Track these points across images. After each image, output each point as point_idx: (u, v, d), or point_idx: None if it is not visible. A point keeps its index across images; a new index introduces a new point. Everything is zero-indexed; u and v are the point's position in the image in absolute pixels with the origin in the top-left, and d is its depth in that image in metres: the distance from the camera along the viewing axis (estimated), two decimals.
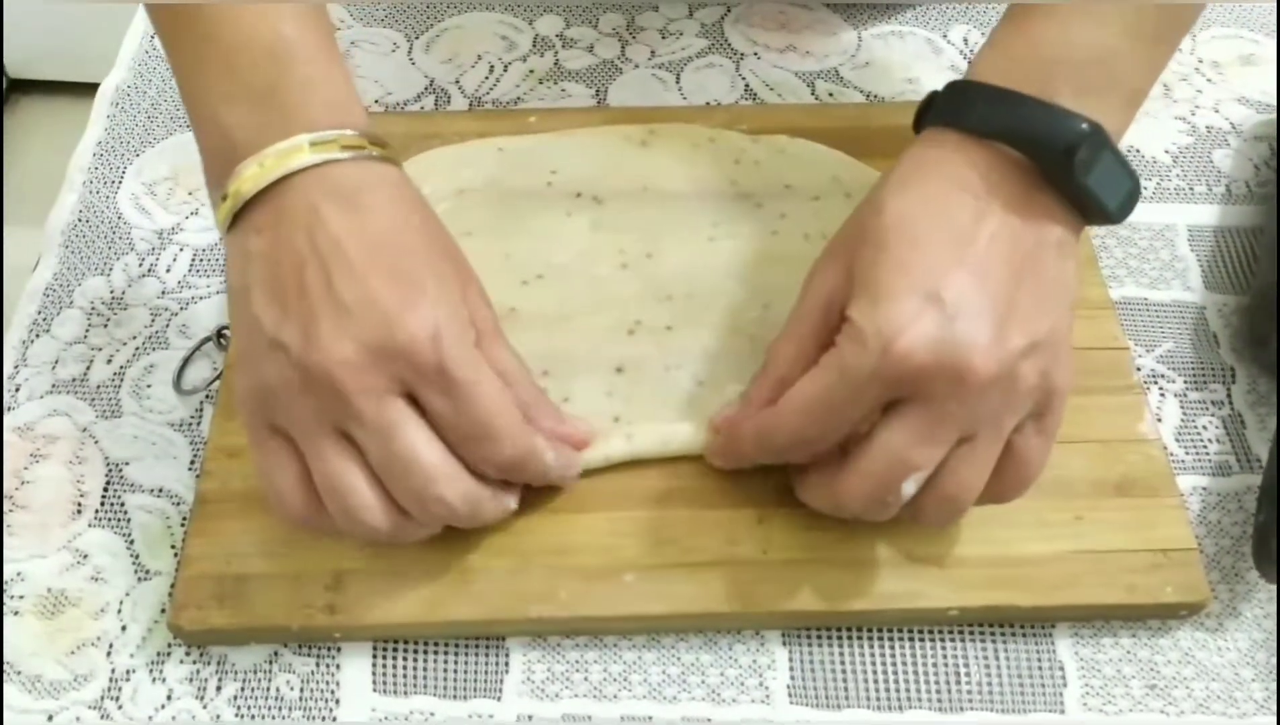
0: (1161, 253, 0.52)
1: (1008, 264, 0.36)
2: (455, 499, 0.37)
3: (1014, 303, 0.36)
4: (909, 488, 0.36)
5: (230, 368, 0.45)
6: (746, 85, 0.58)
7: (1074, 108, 0.37)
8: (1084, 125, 0.37)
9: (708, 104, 0.57)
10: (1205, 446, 0.46)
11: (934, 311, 0.35)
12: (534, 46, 0.59)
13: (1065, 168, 0.37)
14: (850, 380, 0.36)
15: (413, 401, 0.36)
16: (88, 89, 0.60)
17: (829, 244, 0.40)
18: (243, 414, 0.37)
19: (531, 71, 0.58)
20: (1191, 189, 0.54)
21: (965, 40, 0.59)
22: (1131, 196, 0.38)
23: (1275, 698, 0.40)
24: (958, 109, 0.39)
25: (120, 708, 0.40)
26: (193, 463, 0.45)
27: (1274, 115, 0.56)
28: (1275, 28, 0.60)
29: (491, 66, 0.59)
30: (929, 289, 0.35)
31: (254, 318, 0.36)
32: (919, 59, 0.59)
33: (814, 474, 0.40)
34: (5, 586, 0.42)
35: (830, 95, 0.57)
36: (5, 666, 0.40)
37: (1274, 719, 0.40)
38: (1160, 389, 0.48)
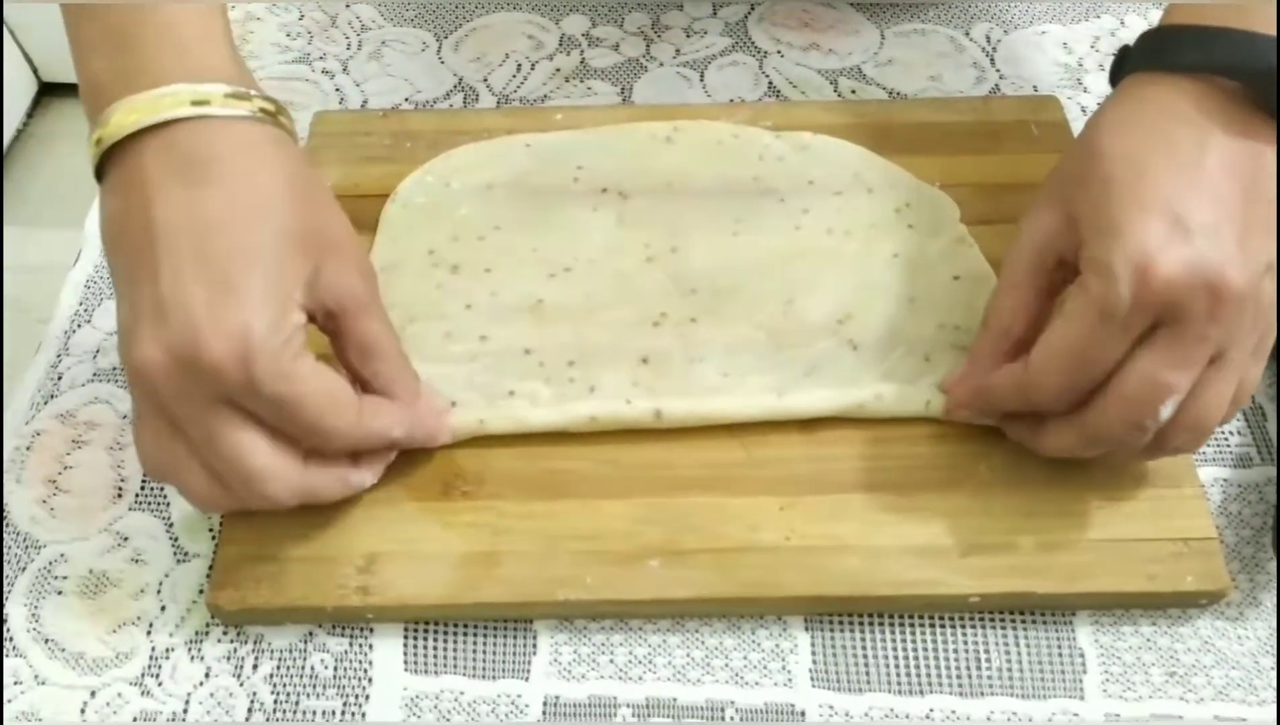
0: None
1: (1237, 185, 0.36)
2: (285, 495, 0.38)
3: (1249, 221, 0.36)
4: (1166, 411, 0.36)
5: None
6: (770, 83, 0.58)
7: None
8: None
9: (731, 101, 0.58)
10: (1226, 438, 0.46)
11: (1179, 233, 0.35)
12: (560, 45, 0.60)
13: (1275, 88, 0.36)
14: (1111, 318, 0.36)
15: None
16: None
17: (1037, 197, 0.40)
18: None
19: (558, 70, 0.59)
20: None
21: (988, 38, 0.60)
22: None
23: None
24: (1156, 51, 0.39)
25: (160, 685, 0.41)
26: None
27: None
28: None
29: (519, 65, 0.60)
30: (1168, 213, 0.35)
31: (115, 285, 0.37)
32: (941, 57, 0.59)
33: (1054, 419, 0.40)
34: (49, 567, 0.43)
35: (853, 92, 0.58)
36: (50, 644, 0.42)
37: None
38: None
